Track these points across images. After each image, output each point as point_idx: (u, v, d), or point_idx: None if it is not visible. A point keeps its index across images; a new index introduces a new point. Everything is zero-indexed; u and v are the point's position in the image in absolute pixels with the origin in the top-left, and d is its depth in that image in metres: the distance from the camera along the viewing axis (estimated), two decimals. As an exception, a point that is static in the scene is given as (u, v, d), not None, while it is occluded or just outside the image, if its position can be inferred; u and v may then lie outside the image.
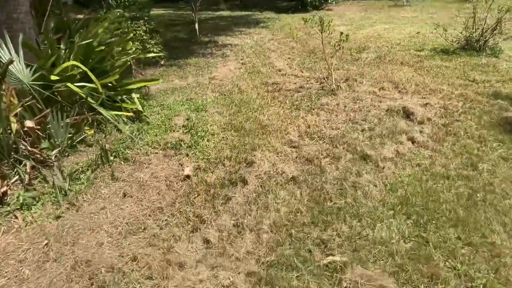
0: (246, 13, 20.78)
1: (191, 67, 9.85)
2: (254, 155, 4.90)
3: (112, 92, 5.76)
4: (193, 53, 11.48)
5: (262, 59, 10.27)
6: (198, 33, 13.41)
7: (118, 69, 5.87)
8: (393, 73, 8.17)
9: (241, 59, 10.36)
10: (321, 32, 7.22)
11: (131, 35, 8.94)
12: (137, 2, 11.62)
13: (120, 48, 6.18)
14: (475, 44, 8.94)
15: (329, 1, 20.20)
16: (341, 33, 7.22)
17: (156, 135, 5.72)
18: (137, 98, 6.43)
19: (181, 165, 4.82)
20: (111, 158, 4.89)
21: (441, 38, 10.75)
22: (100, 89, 5.09)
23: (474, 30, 9.11)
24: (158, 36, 9.91)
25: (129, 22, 9.46)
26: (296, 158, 4.88)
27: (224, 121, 6.20)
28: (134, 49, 6.43)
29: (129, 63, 6.11)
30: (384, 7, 19.48)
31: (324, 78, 7.87)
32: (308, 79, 8.19)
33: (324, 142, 5.26)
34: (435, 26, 11.61)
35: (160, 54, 7.83)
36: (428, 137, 5.11)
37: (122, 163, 4.93)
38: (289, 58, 10.17)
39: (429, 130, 5.31)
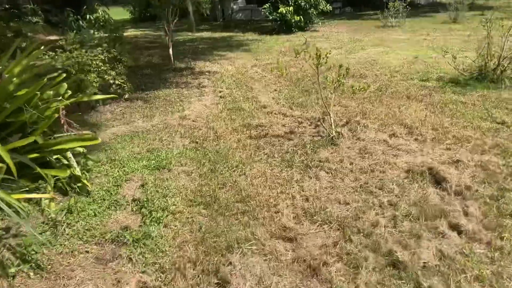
0: (228, 34, 19.30)
1: (160, 102, 8.18)
2: (231, 262, 3.21)
3: (34, 154, 4.04)
4: (165, 83, 9.83)
5: (244, 91, 8.66)
6: (172, 59, 11.78)
7: (43, 122, 4.16)
8: (401, 111, 6.64)
9: (220, 91, 8.74)
10: (317, 67, 5.65)
11: (75, 70, 7.27)
12: (109, 23, 9.98)
13: (52, 92, 4.47)
14: (492, 73, 7.48)
15: (315, 22, 18.87)
16: (341, 65, 5.66)
17: (94, 215, 4.00)
18: (82, 154, 4.73)
19: (119, 282, 3.10)
20: (12, 270, 3.14)
21: (444, 64, 9.35)
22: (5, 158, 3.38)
23: (488, 57, 7.67)
24: (121, 66, 8.23)
25: (85, 50, 7.77)
26: (294, 262, 3.22)
27: (192, 188, 4.53)
28: (68, 93, 4.72)
29: (64, 111, 4.40)
30: (372, 28, 18.23)
31: (319, 120, 6.28)
32: (299, 119, 6.59)
33: (331, 228, 3.63)
34: (437, 51, 10.24)
35: (108, 96, 6.17)
36: (478, 223, 3.51)
37: (31, 275, 3.18)
38: (275, 90, 8.59)
39: (475, 208, 3.71)
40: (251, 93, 8.47)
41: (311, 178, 4.59)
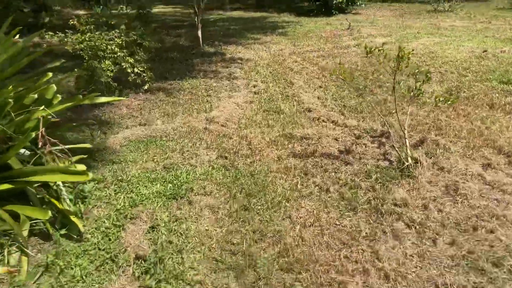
0: (262, 14, 17.67)
1: (184, 96, 6.86)
2: None
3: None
4: (192, 70, 8.49)
5: (282, 86, 7.23)
6: (201, 41, 10.39)
7: (20, 139, 2.93)
8: (487, 126, 5.10)
9: (254, 85, 7.34)
10: (395, 72, 4.18)
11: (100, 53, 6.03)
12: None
13: (35, 96, 3.23)
14: None
15: (357, 4, 16.99)
16: (420, 69, 4.17)
17: (80, 280, 2.77)
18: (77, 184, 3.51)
19: None
20: None
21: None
22: None
23: None
24: (141, 51, 6.91)
25: (101, 32, 6.50)
26: None
27: (219, 237, 3.23)
28: (58, 98, 3.46)
29: (50, 119, 3.16)
30: (421, 13, 16.23)
31: (383, 135, 4.83)
32: (356, 132, 5.15)
33: None
34: (508, 43, 8.46)
35: (115, 98, 4.94)
36: None
37: None
38: (319, 87, 7.11)
39: None
40: (290, 89, 7.04)
41: (386, 233, 3.21)
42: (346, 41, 11.20)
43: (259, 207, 3.61)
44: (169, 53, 10.01)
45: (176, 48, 10.54)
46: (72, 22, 6.36)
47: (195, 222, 3.44)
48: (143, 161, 4.58)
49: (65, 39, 6.10)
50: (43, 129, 2.88)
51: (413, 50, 4.16)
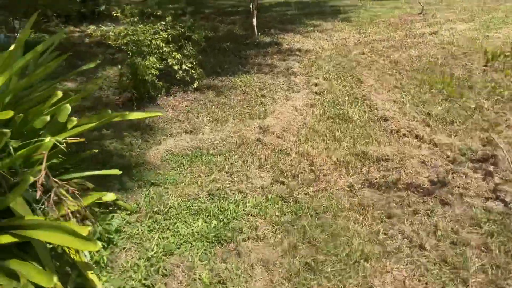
0: (321, -3, 16.27)
1: (236, 96, 6.02)
2: None
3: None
4: (245, 64, 7.61)
5: (349, 84, 6.15)
6: (256, 30, 9.43)
7: (25, 176, 2.24)
8: None
9: (315, 83, 6.32)
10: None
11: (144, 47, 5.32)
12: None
13: (48, 118, 2.51)
14: None
15: (429, -17, 15.06)
16: None
17: None
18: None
19: None
20: None
21: None
22: None
23: None
24: (190, 45, 6.12)
25: (145, 25, 5.78)
26: None
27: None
28: (73, 122, 2.72)
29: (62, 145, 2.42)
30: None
31: (493, 162, 3.67)
32: (449, 153, 4.03)
33: None
34: None
35: (150, 115, 4.15)
36: None
37: None
38: (395, 87, 5.94)
39: None
40: (359, 89, 5.94)
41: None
42: (419, 28, 9.74)
43: (329, 268, 2.69)
44: (222, 43, 9.17)
45: (230, 37, 9.67)
46: (115, 14, 5.67)
47: (243, 286, 2.59)
48: (185, 184, 3.80)
49: (108, 33, 5.43)
50: (45, 171, 2.13)
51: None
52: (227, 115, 5.35)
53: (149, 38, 5.47)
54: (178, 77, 5.97)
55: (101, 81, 6.04)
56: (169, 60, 5.72)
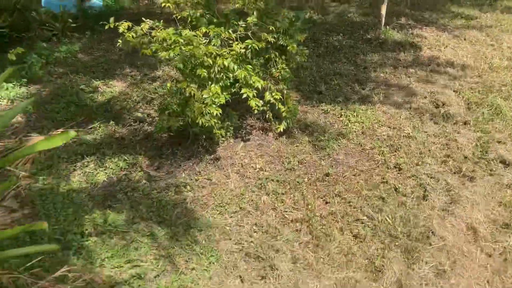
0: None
1: (346, 153, 3.42)
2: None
3: None
4: (364, 81, 4.87)
5: None
6: (383, 20, 6.40)
7: None
8: None
9: (502, 157, 3.37)
10: None
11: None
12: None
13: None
14: None
15: None
16: None
17: None
18: None
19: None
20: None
21: None
22: None
23: None
24: (282, 63, 3.54)
25: (208, 27, 3.33)
26: None
27: None
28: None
29: None
30: None
31: None
32: None
33: None
34: None
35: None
36: None
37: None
38: None
39: None
40: None
41: None
42: None
43: None
44: (331, 34, 6.38)
45: (343, 26, 6.79)
46: (165, 4, 3.27)
47: None
48: None
49: (144, 39, 3.09)
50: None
51: None
52: (329, 226, 2.78)
53: (210, 52, 3.01)
54: (256, 111, 3.47)
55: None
56: (243, 90, 3.24)
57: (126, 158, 3.59)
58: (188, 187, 3.20)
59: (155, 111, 4.35)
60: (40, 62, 5.46)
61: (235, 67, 3.12)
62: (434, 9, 7.80)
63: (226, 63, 3.07)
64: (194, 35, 3.03)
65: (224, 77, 3.18)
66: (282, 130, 3.71)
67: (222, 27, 3.35)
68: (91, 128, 4.10)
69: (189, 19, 3.32)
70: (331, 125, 4.03)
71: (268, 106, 3.65)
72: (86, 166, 3.52)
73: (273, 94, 3.54)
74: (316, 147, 3.64)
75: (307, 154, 3.55)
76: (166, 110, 3.32)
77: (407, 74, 5.11)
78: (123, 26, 3.21)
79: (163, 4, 3.25)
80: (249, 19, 3.26)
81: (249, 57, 3.22)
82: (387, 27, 6.49)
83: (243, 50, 3.17)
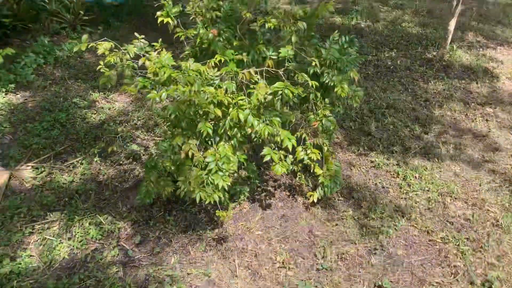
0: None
1: (404, 251, 2.26)
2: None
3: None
4: (424, 122, 3.66)
5: None
6: (449, 37, 5.05)
7: None
8: None
9: None
10: None
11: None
12: None
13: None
14: None
15: None
16: None
17: None
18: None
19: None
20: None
21: None
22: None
23: None
24: (326, 107, 2.39)
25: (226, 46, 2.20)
26: None
27: None
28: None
29: None
30: None
31: None
32: None
33: None
34: None
35: None
36: None
37: None
38: None
39: None
40: None
41: None
42: None
43: None
44: (382, 49, 5.14)
45: (396, 38, 5.52)
46: (161, 19, 2.18)
47: None
48: None
49: (127, 69, 2.02)
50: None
51: None
52: None
53: (219, 100, 1.91)
54: (278, 172, 2.34)
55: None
56: (265, 151, 2.13)
57: (102, 220, 2.58)
58: (175, 287, 2.15)
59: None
60: (36, 63, 4.53)
61: (255, 122, 2.01)
62: (506, 22, 6.36)
63: (242, 116, 1.97)
64: (197, 73, 1.93)
65: (239, 134, 2.09)
66: (314, 200, 2.59)
67: (244, 53, 2.24)
68: (70, 164, 3.12)
69: (199, 40, 2.22)
70: (385, 191, 2.87)
71: (300, 166, 2.55)
72: (48, 229, 2.54)
73: (308, 152, 2.43)
74: (364, 229, 2.51)
75: (351, 242, 2.42)
76: (154, 168, 2.27)
77: (484, 115, 3.85)
78: (103, 47, 2.14)
79: (159, 19, 2.15)
80: (283, 51, 2.12)
81: (278, 106, 2.09)
82: (453, 45, 5.17)
83: (269, 97, 2.05)
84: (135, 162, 3.15)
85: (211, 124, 2.00)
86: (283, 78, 2.12)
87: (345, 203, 2.73)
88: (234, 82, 2.00)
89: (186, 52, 2.36)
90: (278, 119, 2.13)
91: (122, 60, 2.05)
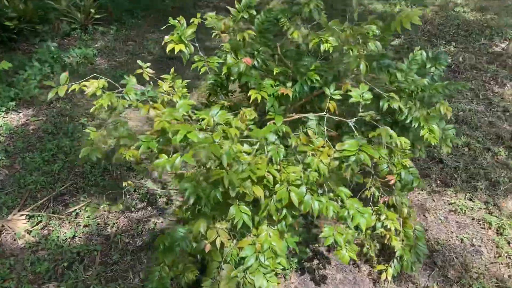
0: None
1: None
2: None
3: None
4: (510, 140, 2.76)
5: None
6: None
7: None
8: None
9: None
10: None
11: None
12: None
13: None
14: None
15: None
16: None
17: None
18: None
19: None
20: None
21: None
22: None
23: None
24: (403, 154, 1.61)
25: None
26: None
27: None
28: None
29: None
30: None
31: None
32: None
33: None
34: None
35: None
36: None
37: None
38: None
39: None
40: None
41: None
42: None
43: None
44: (437, 41, 4.24)
45: (450, 27, 4.58)
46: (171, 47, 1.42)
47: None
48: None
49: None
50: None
51: None
52: None
53: (259, 174, 1.18)
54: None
55: None
56: (326, 232, 1.39)
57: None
58: None
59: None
60: (41, 74, 3.91)
61: (315, 203, 1.28)
62: None
63: (296, 197, 1.24)
64: (224, 129, 1.20)
65: (289, 218, 1.36)
66: (390, 278, 1.85)
67: (288, 84, 1.50)
68: (72, 212, 2.49)
69: (225, 71, 1.49)
70: (476, 252, 2.10)
71: (368, 234, 1.81)
72: (39, 314, 1.92)
73: (383, 218, 1.68)
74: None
75: None
76: (170, 251, 1.58)
77: None
78: (93, 85, 1.44)
79: (169, 47, 1.42)
80: (356, 94, 1.36)
81: (348, 175, 1.34)
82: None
83: (335, 163, 1.31)
84: (150, 208, 2.48)
85: (246, 212, 1.28)
86: (354, 131, 1.36)
87: (425, 273, 1.98)
88: (282, 148, 1.26)
89: (209, 82, 1.62)
90: (346, 190, 1.39)
91: (116, 109, 1.34)
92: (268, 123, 1.37)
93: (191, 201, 1.21)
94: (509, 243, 2.11)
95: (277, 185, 1.26)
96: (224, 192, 1.21)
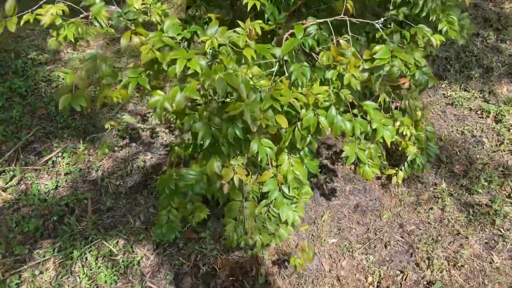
0: None
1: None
2: None
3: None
4: (495, 49, 2.62)
5: None
6: None
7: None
8: None
9: None
10: None
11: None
12: None
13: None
14: None
15: None
16: None
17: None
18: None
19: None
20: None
21: None
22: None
23: None
24: (408, 41, 1.42)
25: None
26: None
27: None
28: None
29: None
30: None
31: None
32: None
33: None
34: None
35: None
36: None
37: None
38: None
39: None
40: None
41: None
42: None
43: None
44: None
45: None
46: None
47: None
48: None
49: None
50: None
51: None
52: None
53: (284, 101, 0.95)
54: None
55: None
56: (348, 151, 1.25)
57: (111, 248, 1.80)
58: None
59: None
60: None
61: (347, 124, 1.09)
62: None
63: (326, 122, 1.03)
64: (236, 51, 0.93)
65: (314, 143, 1.17)
66: (400, 182, 1.79)
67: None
68: (48, 160, 2.20)
69: None
70: (478, 142, 2.05)
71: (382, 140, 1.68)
72: (41, 274, 1.77)
73: (398, 124, 1.54)
74: (471, 212, 1.77)
75: (460, 236, 1.70)
76: (175, 194, 1.39)
77: None
78: (49, 12, 1.06)
79: None
80: None
81: (377, 87, 1.13)
82: None
83: (364, 75, 1.08)
84: (134, 144, 2.23)
85: (268, 137, 1.07)
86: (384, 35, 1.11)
87: (433, 171, 1.94)
88: (307, 66, 1.00)
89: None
90: (372, 103, 1.19)
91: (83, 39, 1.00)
92: (275, 38, 1.08)
93: (207, 143, 0.98)
94: (509, 129, 2.06)
95: (303, 111, 1.04)
96: (243, 128, 0.98)
